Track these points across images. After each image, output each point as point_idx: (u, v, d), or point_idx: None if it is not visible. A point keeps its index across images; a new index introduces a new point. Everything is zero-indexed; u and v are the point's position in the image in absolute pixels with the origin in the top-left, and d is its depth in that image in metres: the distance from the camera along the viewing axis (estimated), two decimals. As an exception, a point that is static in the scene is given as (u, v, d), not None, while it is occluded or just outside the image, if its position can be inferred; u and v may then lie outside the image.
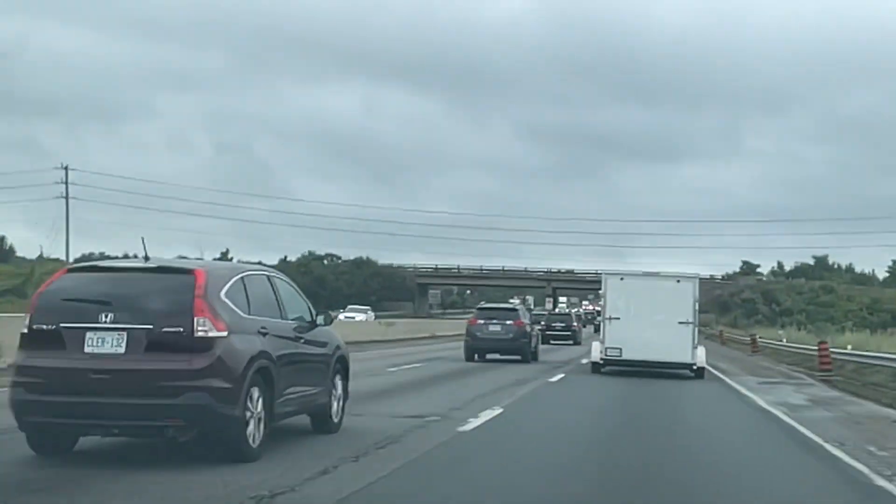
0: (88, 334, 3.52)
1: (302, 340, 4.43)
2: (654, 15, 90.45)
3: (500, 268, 71.13)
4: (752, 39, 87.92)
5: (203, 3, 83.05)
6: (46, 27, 78.94)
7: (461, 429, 5.16)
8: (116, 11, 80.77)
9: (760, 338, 26.66)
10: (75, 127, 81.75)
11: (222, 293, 3.76)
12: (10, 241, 42.83)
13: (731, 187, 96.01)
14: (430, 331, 24.14)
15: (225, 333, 3.59)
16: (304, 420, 4.53)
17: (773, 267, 75.88)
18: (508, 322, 13.92)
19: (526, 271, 70.76)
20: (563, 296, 79.64)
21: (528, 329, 14.13)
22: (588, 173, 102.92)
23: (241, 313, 3.86)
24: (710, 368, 11.24)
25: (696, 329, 12.59)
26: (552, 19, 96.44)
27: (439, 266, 71.39)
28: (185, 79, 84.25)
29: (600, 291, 14.11)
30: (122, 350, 3.46)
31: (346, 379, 5.00)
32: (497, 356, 13.57)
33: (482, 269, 70.72)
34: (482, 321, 14.04)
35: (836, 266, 72.06)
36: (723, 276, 74.58)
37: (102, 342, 3.51)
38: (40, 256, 33.63)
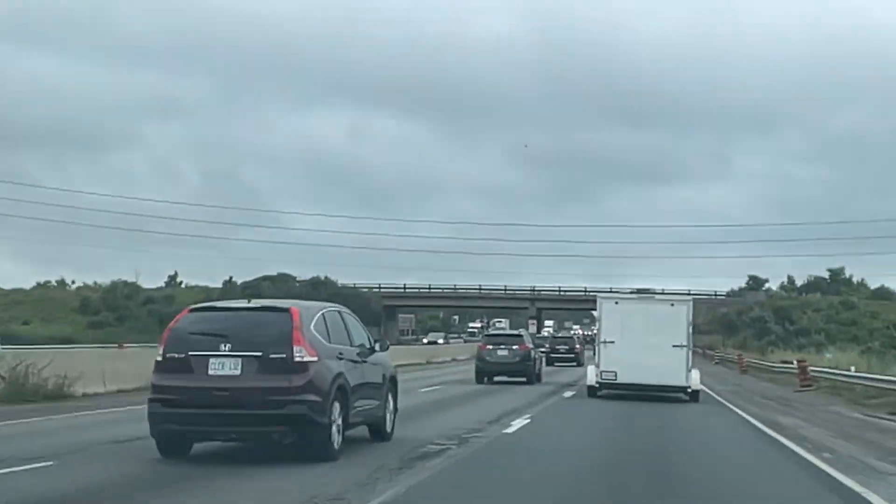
0: (211, 360, 5.78)
1: (365, 363, 6.90)
2: (642, 35, 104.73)
3: (477, 287, 73.63)
4: (742, 58, 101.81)
5: (184, 29, 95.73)
6: (25, 55, 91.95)
7: (505, 431, 7.81)
8: (95, 38, 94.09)
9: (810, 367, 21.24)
10: (58, 155, 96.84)
11: (311, 326, 6.10)
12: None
13: (723, 208, 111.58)
14: (424, 356, 27.48)
15: (315, 358, 5.88)
16: (360, 431, 6.88)
17: (782, 282, 78.23)
18: (514, 347, 17.91)
19: (506, 291, 73.26)
20: (549, 319, 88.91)
21: (532, 353, 18.20)
22: (579, 196, 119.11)
23: (325, 342, 6.23)
24: (781, 438, 8.20)
25: (691, 352, 15.26)
26: (539, 40, 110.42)
27: (408, 286, 74.14)
28: (168, 105, 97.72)
29: (595, 314, 16.70)
30: (238, 372, 5.71)
31: (395, 396, 7.54)
32: (504, 378, 17.27)
33: (456, 289, 73.37)
34: (491, 346, 17.88)
35: (852, 279, 75.07)
36: (728, 293, 77.87)
37: (222, 366, 5.76)
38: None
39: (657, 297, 17.87)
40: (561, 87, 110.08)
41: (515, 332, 22.31)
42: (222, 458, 6.32)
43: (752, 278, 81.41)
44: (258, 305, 6.51)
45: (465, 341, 60.53)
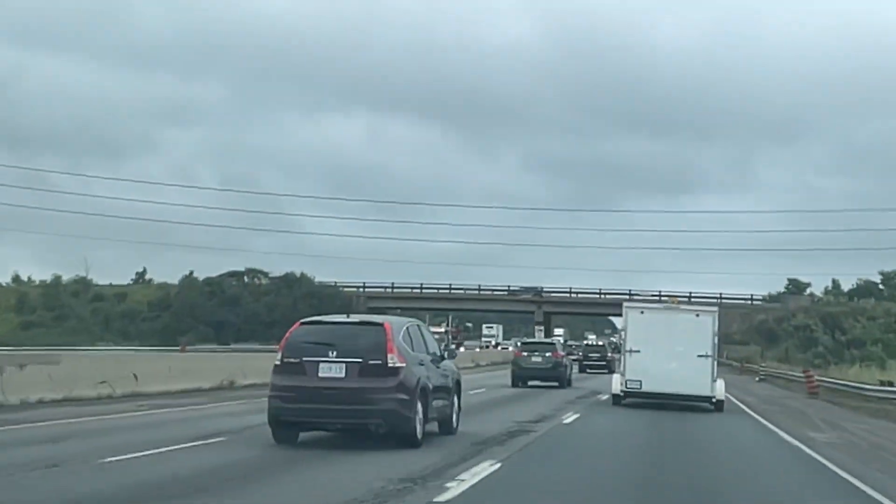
0: (321, 364, 8.86)
1: (438, 369, 10.08)
2: (661, 41, 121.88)
3: (476, 287, 77.43)
4: (763, 66, 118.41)
5: (198, 33, 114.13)
6: (40, 58, 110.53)
7: (563, 422, 12.12)
8: (110, 41, 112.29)
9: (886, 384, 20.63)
10: (77, 160, 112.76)
11: (400, 337, 9.20)
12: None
13: (744, 218, 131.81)
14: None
15: (404, 364, 8.96)
16: (430, 426, 10.05)
17: (826, 286, 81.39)
18: (548, 354, 22.59)
19: (509, 291, 77.01)
20: (559, 326, 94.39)
21: (564, 360, 22.39)
22: (597, 204, 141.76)
23: (410, 351, 9.34)
24: None
25: (716, 362, 18.54)
26: (557, 47, 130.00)
27: (396, 285, 77.36)
28: (184, 111, 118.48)
29: (619, 323, 19.96)
30: (342, 375, 8.78)
31: (460, 396, 10.78)
32: (538, 383, 21.60)
33: (452, 289, 76.75)
34: (526, 353, 23.01)
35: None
36: (765, 297, 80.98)
37: (330, 369, 8.85)
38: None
39: (682, 307, 21.20)
40: (579, 93, 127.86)
41: (549, 340, 29.96)
42: (325, 445, 9.54)
43: (793, 282, 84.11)
44: (357, 320, 9.75)
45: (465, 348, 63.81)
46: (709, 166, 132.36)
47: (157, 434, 9.96)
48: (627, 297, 78.26)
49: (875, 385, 24.74)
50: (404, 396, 9.25)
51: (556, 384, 24.22)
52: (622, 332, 20.29)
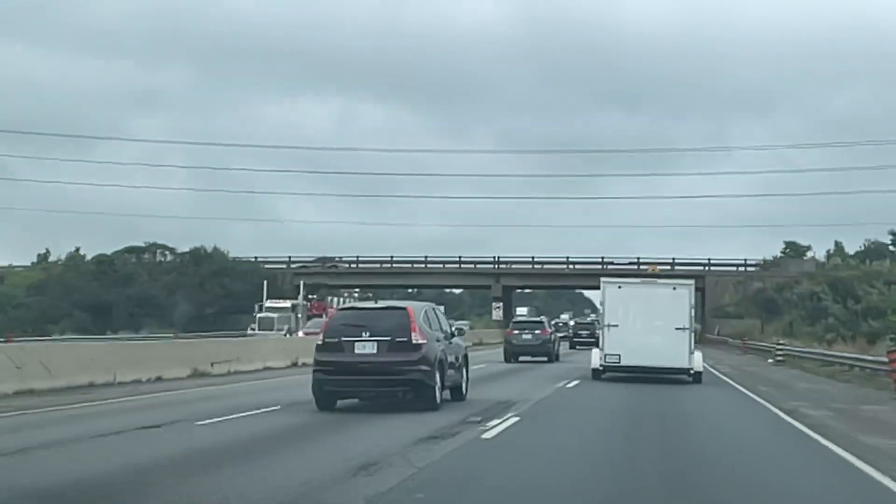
0: (357, 343, 14.15)
1: (450, 345, 15.45)
2: (630, 16, 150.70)
3: (423, 259, 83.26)
4: (735, 38, 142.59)
5: (159, 17, 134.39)
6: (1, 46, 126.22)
7: (567, 386, 19.71)
8: (63, 26, 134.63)
9: None
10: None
11: (420, 319, 14.48)
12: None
13: (722, 194, 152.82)
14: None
15: (425, 341, 14.28)
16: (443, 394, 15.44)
17: (829, 250, 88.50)
18: (537, 331, 30.04)
19: (461, 264, 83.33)
20: (524, 305, 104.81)
21: (552, 336, 29.53)
22: (573, 182, 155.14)
23: (429, 329, 14.66)
24: None
25: (692, 334, 24.03)
26: (526, 25, 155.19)
27: (327, 258, 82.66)
28: (148, 95, 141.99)
29: (598, 301, 25.28)
30: (374, 351, 14.08)
31: (468, 368, 16.28)
32: (528, 358, 28.66)
33: (393, 262, 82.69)
34: (517, 331, 31.18)
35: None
36: (761, 263, 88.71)
37: (364, 347, 14.14)
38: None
39: (659, 280, 26.63)
40: (550, 71, 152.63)
41: (538, 319, 38.01)
42: (359, 410, 14.62)
43: (791, 245, 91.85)
44: (384, 305, 14.86)
45: None
46: (684, 141, 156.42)
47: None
48: (600, 266, 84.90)
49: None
50: (426, 367, 14.35)
51: (545, 359, 32.60)
52: (601, 307, 25.70)
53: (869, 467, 9.83)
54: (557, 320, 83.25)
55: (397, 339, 14.30)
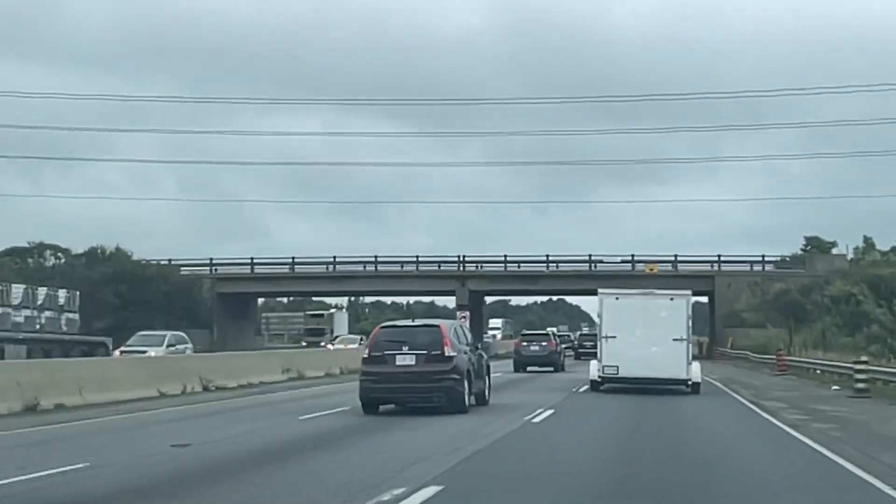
0: (398, 356, 22.99)
1: (475, 356, 24.41)
2: (621, 26, 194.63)
3: (372, 259, 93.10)
4: (726, 47, 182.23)
5: (143, 31, 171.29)
6: None
7: (579, 391, 31.41)
8: (44, 41, 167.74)
9: None
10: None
11: (450, 334, 23.36)
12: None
13: (714, 206, 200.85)
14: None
15: (456, 353, 23.14)
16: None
17: (857, 247, 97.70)
18: (544, 343, 42.16)
19: (419, 266, 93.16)
20: (497, 316, 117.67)
21: (558, 348, 40.55)
22: (566, 196, 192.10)
23: (458, 343, 23.58)
24: None
25: (690, 345, 32.73)
26: (514, 34, 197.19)
27: (258, 261, 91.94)
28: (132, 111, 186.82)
29: (598, 312, 33.99)
30: (413, 362, 22.88)
31: (490, 376, 25.35)
32: (536, 368, 40.39)
33: (336, 264, 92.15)
34: (525, 343, 44.42)
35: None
36: (780, 261, 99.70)
37: (404, 359, 22.93)
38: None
39: (657, 292, 35.31)
40: (540, 82, 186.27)
41: (544, 331, 50.34)
42: (399, 414, 23.16)
43: (812, 242, 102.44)
44: (420, 323, 23.47)
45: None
46: (677, 152, 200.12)
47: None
48: (587, 265, 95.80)
49: None
50: (457, 376, 22.76)
51: (551, 369, 44.43)
52: (598, 319, 34.27)
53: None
54: (580, 331, 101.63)
55: (432, 352, 22.67)
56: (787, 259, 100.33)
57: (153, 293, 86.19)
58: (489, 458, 16.06)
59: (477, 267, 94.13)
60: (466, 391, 23.50)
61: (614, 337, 33.08)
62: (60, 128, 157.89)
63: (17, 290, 50.26)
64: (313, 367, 44.06)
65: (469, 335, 25.35)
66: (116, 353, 52.47)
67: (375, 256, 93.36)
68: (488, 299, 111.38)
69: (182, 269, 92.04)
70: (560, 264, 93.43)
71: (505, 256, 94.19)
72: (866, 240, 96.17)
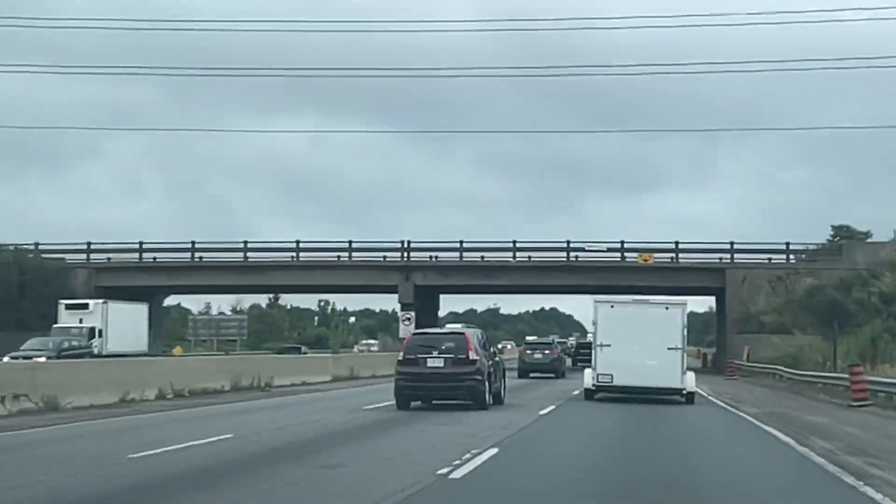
0: (428, 359, 42.20)
1: (494, 361, 43.75)
2: (613, 32, 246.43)
3: (293, 245, 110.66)
4: (720, 54, 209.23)
5: (128, 34, 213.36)
6: None
7: (576, 392, 54.29)
8: (26, 42, 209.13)
9: None
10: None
11: (474, 341, 42.47)
12: None
13: (707, 215, 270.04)
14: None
15: (478, 357, 42.58)
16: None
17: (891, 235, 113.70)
18: (546, 351, 73.97)
19: (350, 252, 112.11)
20: (456, 321, 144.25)
21: (559, 356, 70.47)
22: (556, 204, 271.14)
23: (480, 349, 42.77)
24: None
25: (685, 354, 50.69)
26: (505, 40, 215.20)
27: (149, 246, 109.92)
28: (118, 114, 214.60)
29: (592, 320, 52.11)
30: (442, 364, 42.09)
31: (505, 378, 45.07)
32: (539, 375, 71.96)
33: (248, 251, 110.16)
34: (529, 351, 77.65)
35: None
36: (807, 251, 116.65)
37: (434, 361, 42.22)
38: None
39: (651, 300, 53.09)
40: (531, 89, 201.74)
41: (547, 340, 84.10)
42: (427, 409, 41.35)
43: (841, 231, 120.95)
44: (448, 331, 42.22)
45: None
46: (669, 160, 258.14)
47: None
48: (564, 254, 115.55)
49: None
50: (480, 377, 40.98)
51: (553, 375, 69.74)
52: (594, 327, 51.97)
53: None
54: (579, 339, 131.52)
55: (458, 356, 40.56)
56: (816, 248, 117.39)
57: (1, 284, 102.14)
58: (522, 436, 33.51)
59: (431, 258, 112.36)
60: (487, 390, 42.21)
61: (609, 345, 50.47)
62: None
63: None
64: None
65: (488, 343, 45.13)
66: (6, 358, 69.45)
67: (297, 241, 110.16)
68: (470, 305, 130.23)
69: (47, 253, 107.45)
70: (532, 253, 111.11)
71: (461, 242, 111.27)
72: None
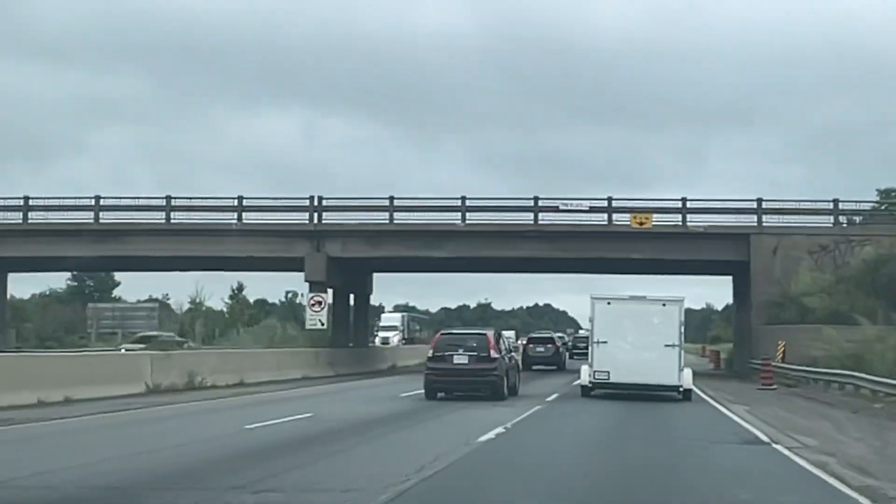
0: (454, 356, 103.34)
1: (510, 358, 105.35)
2: (604, 26, 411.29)
3: (163, 203, 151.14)
4: (711, 49, 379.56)
5: (112, 26, 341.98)
6: None
7: (576, 383, 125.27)
8: (24, 39, 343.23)
9: None
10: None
11: (494, 340, 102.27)
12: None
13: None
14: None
15: (498, 355, 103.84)
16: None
17: None
18: (549, 345, 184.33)
19: (241, 211, 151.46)
20: (390, 312, 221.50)
21: (560, 349, 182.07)
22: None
23: (500, 347, 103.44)
24: None
25: (682, 351, 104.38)
26: (493, 33, 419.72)
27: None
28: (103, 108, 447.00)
29: (589, 317, 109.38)
30: (466, 361, 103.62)
31: (519, 373, 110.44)
32: (542, 367, 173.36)
33: (100, 210, 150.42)
34: (532, 345, 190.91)
35: None
36: (861, 215, 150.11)
37: (459, 358, 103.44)
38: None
39: (649, 297, 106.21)
40: (521, 83, 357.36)
41: (549, 335, 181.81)
42: (453, 400, 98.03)
43: (888, 194, 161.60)
44: (472, 331, 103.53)
45: None
46: (661, 156, 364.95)
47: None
48: (531, 214, 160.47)
49: None
50: (499, 373, 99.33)
51: (555, 367, 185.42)
52: (590, 324, 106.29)
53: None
54: (576, 333, 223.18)
55: (481, 354, 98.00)
56: (873, 209, 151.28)
57: None
58: (530, 419, 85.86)
59: (349, 223, 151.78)
60: (505, 385, 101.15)
61: (605, 342, 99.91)
62: None
63: None
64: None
65: (505, 341, 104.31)
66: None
67: (167, 197, 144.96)
68: (411, 286, 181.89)
69: None
70: (488, 214, 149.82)
71: (391, 199, 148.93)
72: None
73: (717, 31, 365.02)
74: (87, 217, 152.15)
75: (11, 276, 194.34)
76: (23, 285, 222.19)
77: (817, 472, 51.49)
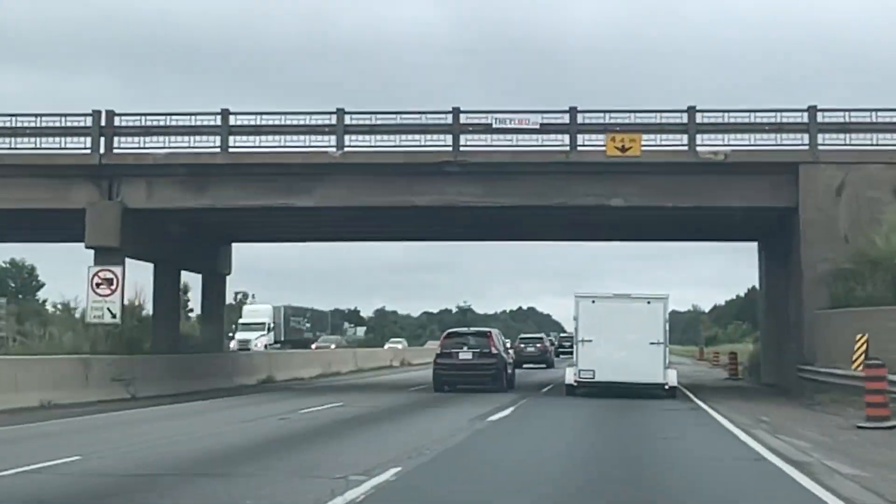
0: (460, 353, 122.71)
1: (507, 355, 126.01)
2: (580, 24, 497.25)
3: None
4: (690, 47, 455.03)
5: (76, 27, 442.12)
6: None
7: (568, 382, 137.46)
8: None
9: None
10: None
11: (495, 339, 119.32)
12: None
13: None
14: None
15: (498, 352, 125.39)
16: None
17: None
18: (538, 345, 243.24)
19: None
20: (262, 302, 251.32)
21: (548, 348, 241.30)
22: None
23: (500, 345, 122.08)
24: None
25: (667, 349, 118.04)
26: (466, 29, 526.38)
27: None
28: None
29: (573, 315, 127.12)
30: (470, 357, 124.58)
31: (514, 369, 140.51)
32: (531, 366, 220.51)
33: None
34: (522, 345, 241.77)
35: None
36: None
37: (465, 355, 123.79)
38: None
39: (633, 295, 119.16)
40: (493, 79, 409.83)
41: (538, 335, 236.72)
42: (460, 392, 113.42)
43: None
44: (475, 330, 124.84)
45: None
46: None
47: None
48: (448, 132, 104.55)
49: None
50: (500, 367, 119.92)
51: (544, 366, 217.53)
52: (575, 322, 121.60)
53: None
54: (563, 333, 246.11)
55: (483, 351, 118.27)
56: None
57: None
58: (527, 404, 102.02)
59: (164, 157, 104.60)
60: (504, 378, 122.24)
61: (590, 341, 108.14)
62: None
63: None
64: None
65: (503, 340, 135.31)
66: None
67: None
68: (293, 266, 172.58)
69: None
70: (381, 137, 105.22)
71: (224, 113, 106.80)
72: None
73: (694, 28, 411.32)
74: None
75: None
76: None
77: None
